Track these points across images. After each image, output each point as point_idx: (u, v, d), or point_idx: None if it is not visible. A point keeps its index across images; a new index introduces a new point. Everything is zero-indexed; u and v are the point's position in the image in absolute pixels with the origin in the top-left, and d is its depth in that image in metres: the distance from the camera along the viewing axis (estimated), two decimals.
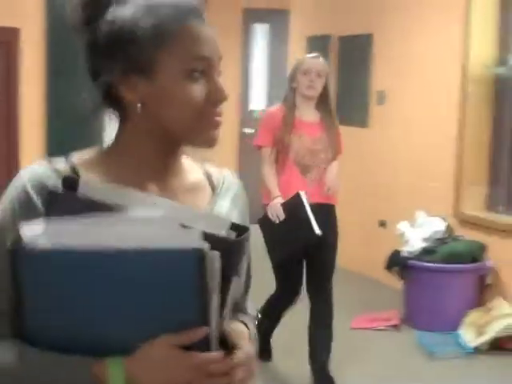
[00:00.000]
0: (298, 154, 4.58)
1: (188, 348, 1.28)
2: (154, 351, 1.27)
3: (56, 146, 4.86)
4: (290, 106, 4.63)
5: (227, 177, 1.60)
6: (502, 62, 5.89)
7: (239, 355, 1.34)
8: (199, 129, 1.40)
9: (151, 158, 1.45)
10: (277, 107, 4.72)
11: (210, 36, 1.41)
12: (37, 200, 1.35)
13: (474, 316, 5.38)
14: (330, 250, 4.66)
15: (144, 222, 1.25)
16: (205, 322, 1.27)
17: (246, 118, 9.35)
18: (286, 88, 4.73)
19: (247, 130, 9.26)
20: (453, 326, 5.40)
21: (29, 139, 4.79)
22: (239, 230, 1.32)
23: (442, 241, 5.69)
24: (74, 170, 1.40)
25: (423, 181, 6.37)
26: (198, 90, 1.38)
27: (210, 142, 1.42)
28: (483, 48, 5.94)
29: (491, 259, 5.64)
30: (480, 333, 5.20)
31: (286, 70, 8.60)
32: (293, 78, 4.67)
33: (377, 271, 6.34)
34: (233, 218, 1.50)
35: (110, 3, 1.39)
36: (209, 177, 1.56)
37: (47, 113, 4.91)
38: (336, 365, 4.73)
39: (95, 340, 1.28)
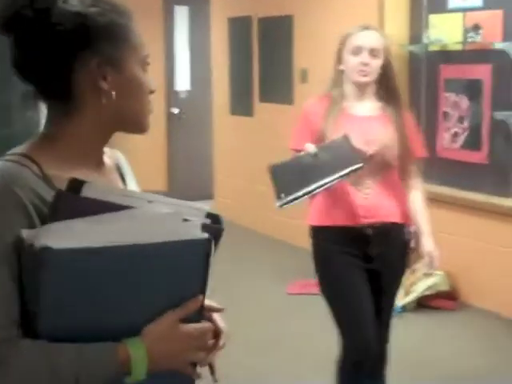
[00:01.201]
0: None
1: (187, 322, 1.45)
2: (161, 327, 1.41)
3: None
4: (337, 95, 3.45)
5: (117, 154, 1.71)
6: (415, 39, 6.27)
7: (224, 336, 1.58)
8: (146, 114, 1.56)
9: (97, 146, 1.56)
10: (319, 97, 3.54)
11: None
12: (26, 201, 1.37)
13: None
14: (393, 286, 3.59)
15: (152, 217, 1.39)
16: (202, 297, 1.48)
17: (172, 98, 9.59)
18: (332, 71, 3.54)
19: (174, 110, 9.53)
20: None
21: None
22: (211, 216, 1.49)
23: None
24: (39, 166, 1.43)
25: None
26: (147, 80, 1.55)
27: (147, 127, 1.57)
28: (397, 26, 6.31)
29: (413, 225, 6.06)
30: (407, 293, 5.63)
31: (209, 51, 8.87)
32: (339, 57, 3.49)
33: (305, 240, 6.68)
34: (136, 190, 1.67)
35: None
36: (108, 157, 1.65)
37: None
38: (276, 326, 5.11)
39: (108, 328, 1.38)
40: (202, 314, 1.50)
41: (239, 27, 8.15)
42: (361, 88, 3.44)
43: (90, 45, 1.45)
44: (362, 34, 3.45)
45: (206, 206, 1.51)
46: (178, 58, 9.70)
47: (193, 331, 1.46)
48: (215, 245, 1.45)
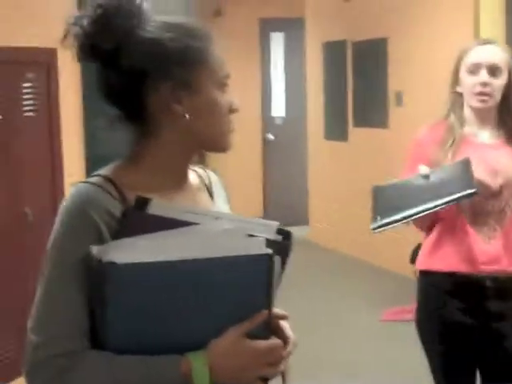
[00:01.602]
0: None
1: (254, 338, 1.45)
2: (225, 342, 1.43)
3: (95, 158, 5.04)
4: (455, 120, 2.97)
5: (210, 175, 1.75)
6: None
7: (291, 344, 1.54)
8: (225, 134, 1.58)
9: (177, 166, 1.59)
10: (430, 126, 3.08)
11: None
12: (99, 221, 1.44)
13: None
14: None
15: (215, 233, 1.43)
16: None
17: (268, 124, 9.64)
18: (448, 94, 3.05)
19: (270, 136, 9.58)
20: None
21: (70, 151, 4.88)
22: (282, 232, 1.50)
23: None
24: (117, 187, 1.50)
25: None
26: (226, 100, 1.57)
27: (229, 146, 1.60)
28: None
29: None
30: None
31: (303, 76, 8.89)
32: (455, 78, 2.99)
33: (402, 266, 6.56)
34: (226, 210, 1.72)
35: (136, 24, 1.50)
36: (199, 177, 1.70)
37: (86, 128, 5.05)
38: (368, 354, 5.00)
39: (173, 342, 1.41)
40: (270, 329, 1.49)
41: (334, 51, 8.15)
42: (481, 113, 2.96)
43: (162, 70, 1.49)
44: (479, 50, 2.94)
45: (276, 223, 1.51)
46: (273, 84, 9.77)
47: (260, 347, 1.46)
48: (284, 260, 1.47)
